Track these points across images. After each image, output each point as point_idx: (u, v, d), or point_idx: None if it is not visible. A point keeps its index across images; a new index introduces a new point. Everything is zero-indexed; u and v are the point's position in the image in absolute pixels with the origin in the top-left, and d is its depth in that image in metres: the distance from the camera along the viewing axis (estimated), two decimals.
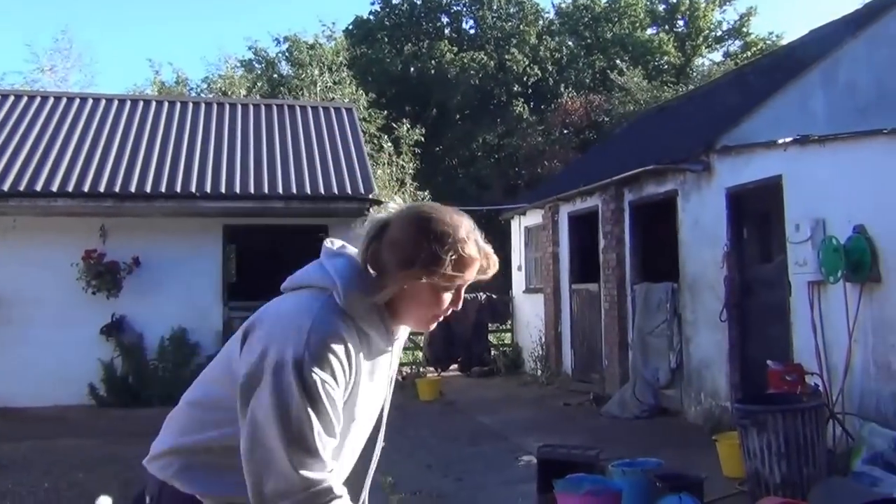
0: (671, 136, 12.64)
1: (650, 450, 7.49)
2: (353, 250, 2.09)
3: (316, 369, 1.83)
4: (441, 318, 2.07)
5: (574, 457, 6.44)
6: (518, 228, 16.95)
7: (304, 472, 1.80)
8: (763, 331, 8.64)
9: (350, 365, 1.92)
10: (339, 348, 1.89)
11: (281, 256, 14.40)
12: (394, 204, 2.11)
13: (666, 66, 33.45)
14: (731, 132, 9.47)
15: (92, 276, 11.88)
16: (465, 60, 31.49)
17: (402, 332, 2.16)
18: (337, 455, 1.95)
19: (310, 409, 1.81)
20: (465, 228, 2.00)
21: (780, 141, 8.11)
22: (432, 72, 31.52)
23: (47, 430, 10.11)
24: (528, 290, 16.30)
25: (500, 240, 24.84)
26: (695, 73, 32.63)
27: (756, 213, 9.26)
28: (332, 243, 2.13)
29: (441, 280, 1.96)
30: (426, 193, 25.37)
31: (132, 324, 12.20)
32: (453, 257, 1.94)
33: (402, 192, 23.93)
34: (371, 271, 2.01)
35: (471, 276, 2.01)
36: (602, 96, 29.74)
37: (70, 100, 14.90)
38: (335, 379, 1.87)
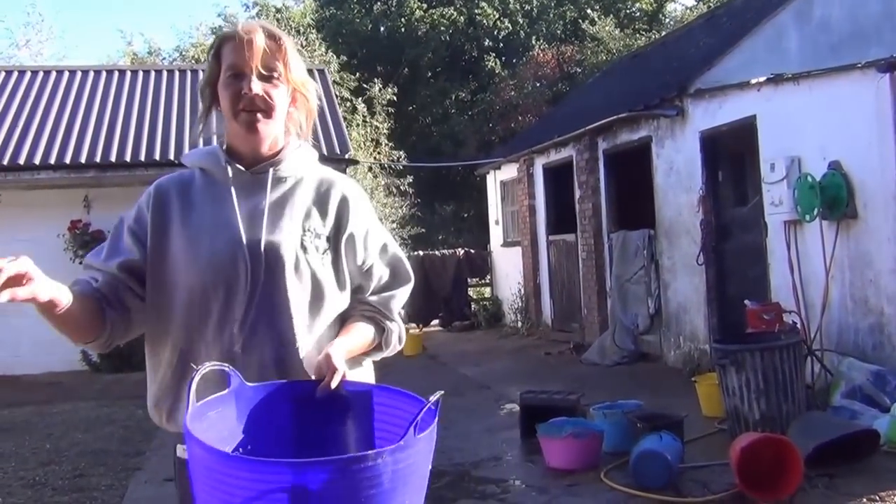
0: (644, 83, 12.57)
1: (630, 394, 7.55)
2: None
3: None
4: (250, 108, 2.10)
5: (555, 402, 6.47)
6: (494, 183, 16.89)
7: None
8: (740, 272, 8.67)
9: (153, 197, 2.19)
10: (149, 191, 2.21)
11: None
12: None
13: (638, 14, 33.03)
14: (705, 75, 9.41)
15: (78, 245, 12.10)
16: (435, 17, 31.06)
17: (286, 170, 2.18)
18: (190, 263, 2.12)
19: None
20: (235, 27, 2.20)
21: (754, 81, 8.07)
22: (402, 30, 31.09)
23: (44, 395, 10.42)
24: (505, 244, 16.30)
25: (476, 195, 24.96)
26: (667, 19, 32.31)
27: (731, 155, 9.26)
28: None
29: (220, 75, 2.14)
30: (401, 153, 25.22)
31: None
32: (212, 50, 2.20)
33: (378, 152, 23.81)
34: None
35: (233, 53, 2.11)
36: (574, 47, 29.40)
37: (47, 73, 14.93)
38: (136, 212, 2.22)
